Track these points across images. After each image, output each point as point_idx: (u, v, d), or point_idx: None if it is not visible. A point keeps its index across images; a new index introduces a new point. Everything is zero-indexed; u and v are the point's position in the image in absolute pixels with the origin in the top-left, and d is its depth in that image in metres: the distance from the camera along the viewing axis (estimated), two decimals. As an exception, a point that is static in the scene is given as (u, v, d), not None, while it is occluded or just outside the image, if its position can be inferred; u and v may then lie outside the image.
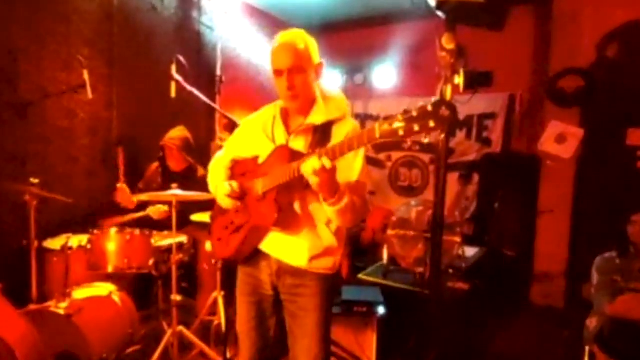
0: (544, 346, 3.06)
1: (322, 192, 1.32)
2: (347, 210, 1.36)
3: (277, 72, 1.45)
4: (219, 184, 1.60)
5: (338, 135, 1.46)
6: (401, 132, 1.09)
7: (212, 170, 1.72)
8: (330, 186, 1.30)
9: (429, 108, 1.06)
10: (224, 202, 1.57)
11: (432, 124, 1.06)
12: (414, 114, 1.08)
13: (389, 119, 1.11)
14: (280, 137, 1.53)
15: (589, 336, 2.34)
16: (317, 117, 1.48)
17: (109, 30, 3.09)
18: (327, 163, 1.21)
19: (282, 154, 1.45)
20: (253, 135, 1.60)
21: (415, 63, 4.39)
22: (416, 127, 1.07)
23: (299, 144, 1.49)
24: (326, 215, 1.46)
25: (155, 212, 2.80)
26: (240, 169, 1.64)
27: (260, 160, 1.55)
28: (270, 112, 1.60)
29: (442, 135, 2.20)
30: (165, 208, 2.80)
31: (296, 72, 1.42)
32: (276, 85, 1.48)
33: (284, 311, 1.58)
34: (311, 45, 1.47)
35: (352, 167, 1.46)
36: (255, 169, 1.55)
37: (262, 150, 1.55)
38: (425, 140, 1.10)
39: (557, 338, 3.09)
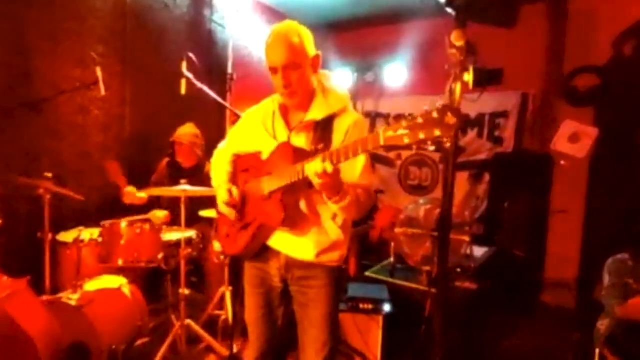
0: (554, 348, 3.02)
1: (325, 193, 1.32)
2: (352, 205, 1.36)
3: (272, 70, 1.42)
4: (221, 184, 1.61)
5: (339, 129, 1.45)
6: (406, 140, 1.07)
7: (215, 164, 1.73)
8: (333, 187, 1.30)
9: (435, 115, 1.03)
10: (222, 209, 1.58)
11: (437, 132, 1.03)
12: (419, 120, 1.05)
13: (393, 124, 1.09)
14: (282, 134, 1.52)
15: (599, 338, 2.30)
16: (317, 112, 1.46)
17: (122, 29, 3.14)
18: (329, 167, 1.20)
19: (286, 151, 1.44)
20: (254, 130, 1.60)
21: (426, 61, 4.35)
22: (421, 135, 1.05)
23: (300, 140, 1.48)
24: (331, 210, 1.46)
25: (155, 217, 2.81)
26: (243, 165, 1.65)
27: (264, 157, 1.55)
28: (269, 107, 1.59)
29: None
30: (165, 213, 2.83)
31: (292, 69, 1.39)
32: (273, 82, 1.46)
33: (294, 302, 1.59)
34: (306, 38, 1.43)
35: (354, 169, 1.44)
36: (258, 166, 1.56)
37: (264, 146, 1.55)
38: (432, 149, 1.08)
39: (567, 340, 3.04)
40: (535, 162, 3.89)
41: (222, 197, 1.56)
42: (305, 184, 1.37)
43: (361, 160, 1.44)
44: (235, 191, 1.56)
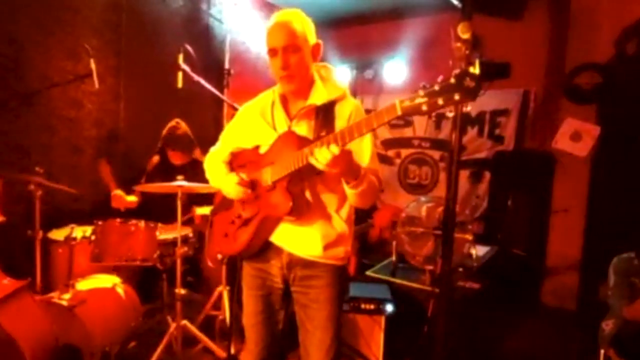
0: (556, 348, 2.98)
1: (344, 177, 1.29)
2: (370, 190, 1.34)
3: (272, 51, 1.40)
4: (223, 177, 1.53)
5: (341, 115, 1.42)
6: (425, 108, 1.04)
7: (209, 167, 1.64)
8: (350, 170, 1.26)
9: (452, 80, 1.02)
10: (235, 191, 1.49)
11: (457, 96, 1.01)
12: (436, 88, 1.03)
13: (409, 95, 1.06)
14: (282, 123, 1.47)
15: (604, 339, 2.26)
16: (317, 97, 1.43)
17: (117, 21, 3.06)
18: (335, 149, 1.16)
19: (289, 140, 1.38)
20: (252, 123, 1.54)
21: (426, 58, 4.30)
22: (440, 101, 1.02)
23: (302, 128, 1.43)
24: (336, 201, 1.43)
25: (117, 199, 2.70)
26: (240, 161, 1.57)
27: (263, 150, 1.49)
28: (268, 98, 1.54)
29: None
30: (133, 198, 2.74)
31: (291, 51, 1.37)
32: (271, 66, 1.43)
33: (295, 303, 1.53)
34: (307, 25, 1.43)
35: (362, 154, 1.41)
36: (257, 159, 1.49)
37: (263, 138, 1.49)
38: (450, 115, 1.05)
39: (569, 340, 3.01)
40: (536, 160, 3.86)
41: (232, 180, 1.49)
42: (312, 170, 1.31)
43: (368, 145, 1.42)
44: (243, 174, 1.50)
